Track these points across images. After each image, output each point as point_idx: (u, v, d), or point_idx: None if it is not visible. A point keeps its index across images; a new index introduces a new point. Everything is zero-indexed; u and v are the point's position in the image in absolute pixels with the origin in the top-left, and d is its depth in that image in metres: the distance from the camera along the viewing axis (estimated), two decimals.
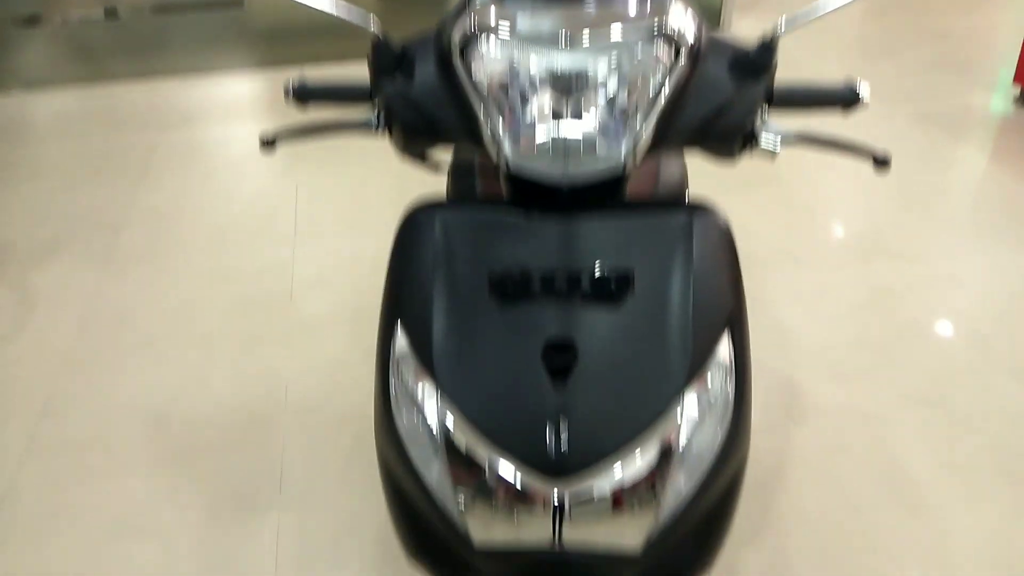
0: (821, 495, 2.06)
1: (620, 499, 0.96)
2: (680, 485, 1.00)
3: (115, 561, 1.94)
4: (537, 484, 0.96)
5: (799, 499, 2.05)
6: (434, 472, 1.02)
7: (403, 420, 1.06)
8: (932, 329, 2.59)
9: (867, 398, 2.35)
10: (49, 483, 2.16)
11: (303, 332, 2.68)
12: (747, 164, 3.60)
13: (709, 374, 1.03)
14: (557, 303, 1.02)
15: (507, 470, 0.97)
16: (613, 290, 1.02)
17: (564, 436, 0.96)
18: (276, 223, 3.27)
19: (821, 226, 3.14)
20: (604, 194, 1.09)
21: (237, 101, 4.47)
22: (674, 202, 1.12)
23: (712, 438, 1.02)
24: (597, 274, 1.02)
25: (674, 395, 1.00)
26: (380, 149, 3.80)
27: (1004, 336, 2.55)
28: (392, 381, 1.08)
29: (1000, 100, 4.04)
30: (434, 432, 1.02)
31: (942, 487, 2.07)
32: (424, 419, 1.04)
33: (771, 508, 2.02)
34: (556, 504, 0.96)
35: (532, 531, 0.97)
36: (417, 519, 1.08)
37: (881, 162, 1.14)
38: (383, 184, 3.54)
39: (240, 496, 2.10)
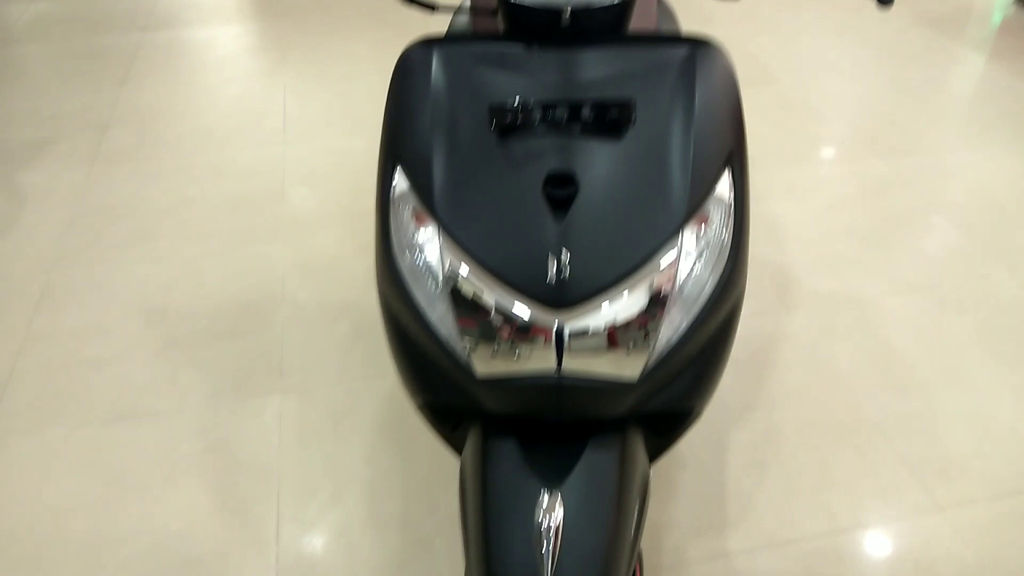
0: (810, 375, 2.10)
1: (619, 329, 0.97)
2: (677, 318, 1.01)
3: (116, 443, 1.97)
4: (538, 315, 0.97)
5: (789, 379, 2.09)
6: (437, 309, 1.03)
7: (404, 260, 1.06)
8: (925, 219, 2.60)
9: (858, 285, 2.37)
10: (47, 371, 2.17)
11: (296, 228, 2.67)
12: (745, 62, 3.55)
13: (708, 210, 1.04)
14: (557, 135, 1.01)
15: (508, 302, 0.98)
16: (614, 120, 1.01)
17: (565, 267, 0.96)
18: (264, 122, 3.22)
19: (817, 123, 3.12)
20: (605, 26, 1.07)
21: (220, 2, 4.34)
22: (676, 37, 1.10)
23: (709, 274, 1.03)
24: (598, 103, 1.01)
25: (673, 229, 1.00)
26: (367, 48, 3.72)
27: (995, 226, 2.57)
28: (392, 222, 1.08)
29: (1000, 1, 3.97)
30: (435, 269, 1.03)
31: (929, 367, 2.12)
32: (425, 257, 1.04)
33: (761, 387, 2.07)
34: (556, 334, 0.97)
35: (533, 361, 0.98)
36: (420, 358, 1.09)
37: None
38: (371, 84, 3.48)
39: (240, 381, 2.13)
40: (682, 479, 1.85)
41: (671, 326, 1.01)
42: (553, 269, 0.97)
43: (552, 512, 1.00)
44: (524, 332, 0.98)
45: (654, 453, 1.29)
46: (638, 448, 1.13)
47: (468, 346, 1.01)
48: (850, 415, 1.99)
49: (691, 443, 1.93)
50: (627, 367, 1.00)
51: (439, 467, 1.88)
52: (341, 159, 2.98)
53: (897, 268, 2.43)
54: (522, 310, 0.98)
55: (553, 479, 1.03)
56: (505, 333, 0.98)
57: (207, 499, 1.83)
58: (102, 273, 2.50)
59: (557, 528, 0.99)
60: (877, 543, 1.71)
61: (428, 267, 1.04)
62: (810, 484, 1.84)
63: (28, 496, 1.84)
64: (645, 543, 1.72)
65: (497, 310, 0.98)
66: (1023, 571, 1.66)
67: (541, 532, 0.99)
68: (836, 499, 1.80)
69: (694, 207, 1.02)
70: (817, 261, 2.47)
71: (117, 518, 1.79)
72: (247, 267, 2.51)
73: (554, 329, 0.97)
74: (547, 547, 0.98)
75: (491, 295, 0.99)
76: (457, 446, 1.25)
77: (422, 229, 1.04)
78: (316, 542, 1.73)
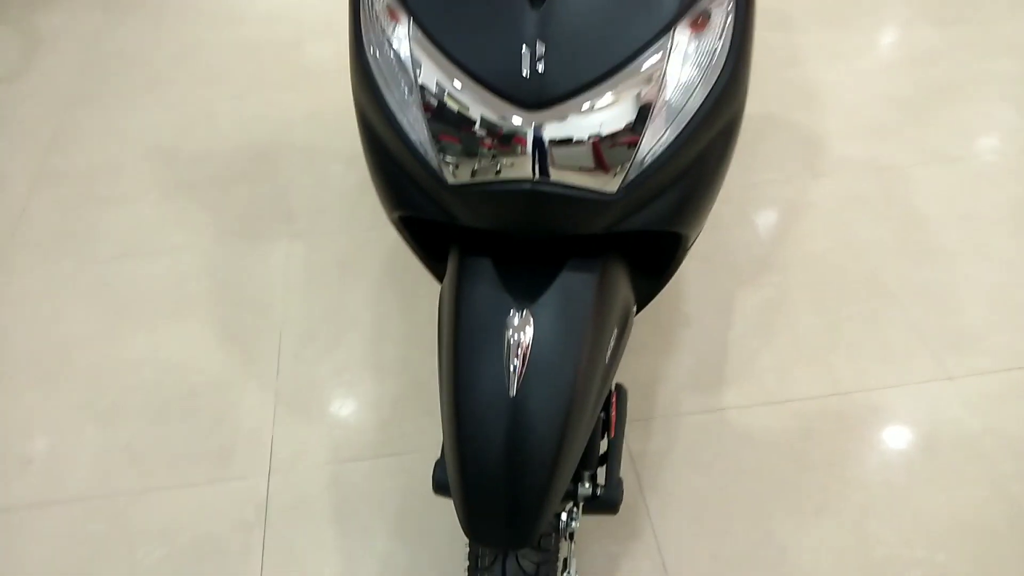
0: (830, 241, 2.02)
1: (598, 136, 0.91)
2: (662, 128, 0.94)
3: (125, 278, 1.98)
4: (512, 114, 0.91)
5: (807, 244, 2.01)
6: (408, 112, 0.97)
7: (377, 61, 1.00)
8: (970, 90, 2.44)
9: (892, 153, 2.25)
10: (59, 209, 2.18)
11: (310, 77, 2.60)
12: None
13: (707, 9, 0.95)
14: None
15: (481, 100, 0.92)
16: None
17: (541, 61, 0.89)
18: None
19: None
20: None
21: None
22: None
23: (703, 82, 0.95)
24: None
25: (664, 27, 0.92)
26: None
27: None
28: (364, 18, 1.02)
29: None
30: (406, 64, 0.97)
31: (955, 238, 2.02)
32: (398, 55, 0.98)
33: (778, 251, 2.00)
34: (533, 139, 0.91)
35: (508, 168, 0.93)
36: (393, 167, 1.04)
37: None
38: None
39: (248, 225, 2.11)
40: (683, 336, 1.82)
41: (655, 136, 0.94)
42: (528, 63, 0.89)
43: (522, 331, 0.97)
44: (497, 134, 0.92)
45: (644, 295, 1.25)
46: (619, 278, 1.08)
47: (440, 151, 0.96)
48: (867, 282, 1.93)
49: (696, 301, 1.89)
50: (607, 178, 0.94)
51: None
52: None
53: (935, 138, 2.29)
54: (495, 109, 0.91)
55: (525, 299, 1.00)
56: (478, 136, 0.92)
57: (211, 334, 1.85)
58: (115, 116, 2.47)
59: (526, 347, 0.96)
60: (880, 407, 1.68)
61: (399, 63, 0.97)
62: (817, 347, 1.79)
63: (38, 326, 1.88)
64: (637, 392, 1.71)
65: (469, 110, 0.92)
66: (1016, 440, 1.63)
67: (509, 350, 0.96)
68: (842, 363, 1.76)
69: (688, 4, 0.93)
70: (852, 128, 2.34)
71: (123, 349, 1.82)
72: (260, 114, 2.46)
73: (529, 132, 0.91)
74: (515, 365, 0.96)
75: (463, 94, 0.92)
76: (441, 275, 1.22)
77: (394, 24, 0.98)
78: (315, 379, 1.75)
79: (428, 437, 1.64)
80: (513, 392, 0.95)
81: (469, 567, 1.11)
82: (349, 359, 1.79)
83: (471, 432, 0.96)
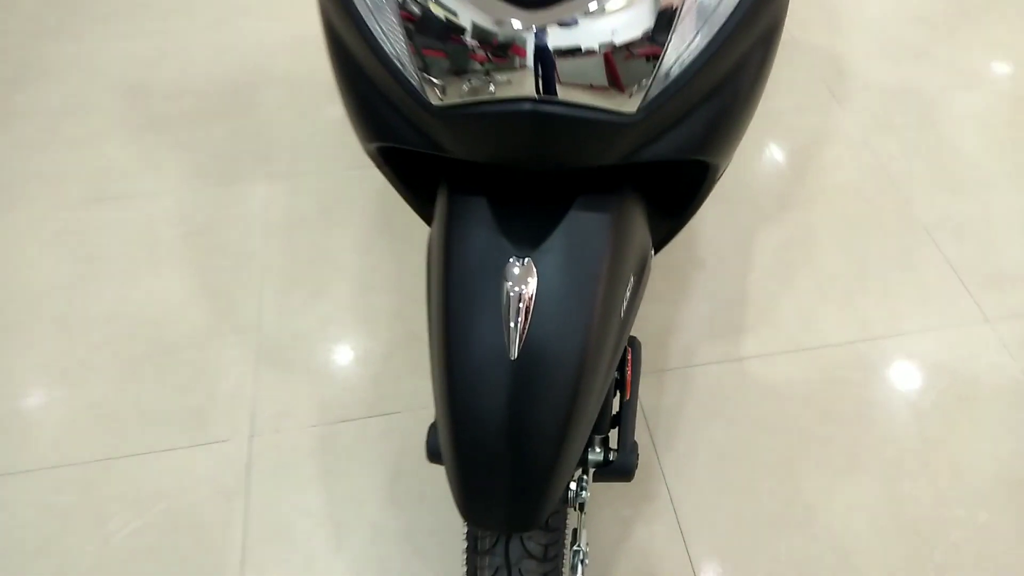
0: (857, 173, 1.86)
1: (613, 45, 0.75)
2: (692, 33, 0.77)
3: (94, 225, 1.83)
4: (511, 17, 0.74)
5: (833, 176, 1.86)
6: (384, 20, 0.81)
7: None
8: (999, 6, 2.24)
9: (923, 76, 2.07)
10: (23, 150, 2.01)
11: (289, 4, 2.40)
12: None
13: None
14: None
15: (473, 1, 0.75)
16: None
17: None
18: None
19: None
20: None
21: None
22: None
23: None
24: None
25: None
26: None
27: None
28: None
29: None
30: None
31: (991, 168, 1.86)
32: None
33: (800, 185, 1.84)
34: (534, 46, 0.74)
35: (505, 85, 0.77)
36: (367, 88, 0.88)
37: None
38: None
39: (225, 165, 1.95)
40: (698, 279, 1.68)
41: (682, 44, 0.78)
42: None
43: (523, 283, 0.82)
44: (491, 44, 0.75)
45: (662, 235, 1.10)
46: (636, 218, 0.93)
47: (422, 67, 0.79)
48: (897, 217, 1.77)
49: (711, 241, 1.74)
50: (624, 96, 0.78)
51: None
52: None
53: (968, 60, 2.11)
54: (490, 10, 0.75)
55: (527, 245, 0.85)
56: (468, 46, 0.76)
57: (186, 285, 1.71)
58: (84, 48, 2.29)
59: (528, 302, 0.82)
60: (913, 353, 1.55)
61: None
62: (843, 289, 1.65)
63: (2, 274, 1.74)
64: (649, 343, 1.57)
65: (457, 14, 0.76)
66: None
67: (509, 305, 0.82)
68: (871, 305, 1.62)
69: None
70: (878, 50, 2.15)
71: (92, 301, 1.68)
72: (237, 43, 2.27)
73: (530, 39, 0.74)
74: (515, 323, 0.81)
75: None
76: (429, 217, 1.07)
77: None
78: (300, 332, 1.61)
79: (423, 395, 1.51)
80: (514, 354, 0.81)
81: (467, 548, 0.99)
82: (336, 310, 1.65)
83: (466, 401, 0.82)
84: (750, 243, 1.74)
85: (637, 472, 1.39)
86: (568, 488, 0.98)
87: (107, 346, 1.61)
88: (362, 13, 0.82)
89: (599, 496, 1.37)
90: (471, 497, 0.84)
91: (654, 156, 0.83)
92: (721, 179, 1.83)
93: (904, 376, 1.51)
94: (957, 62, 2.10)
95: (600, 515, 1.35)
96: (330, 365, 1.56)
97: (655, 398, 1.49)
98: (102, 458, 1.44)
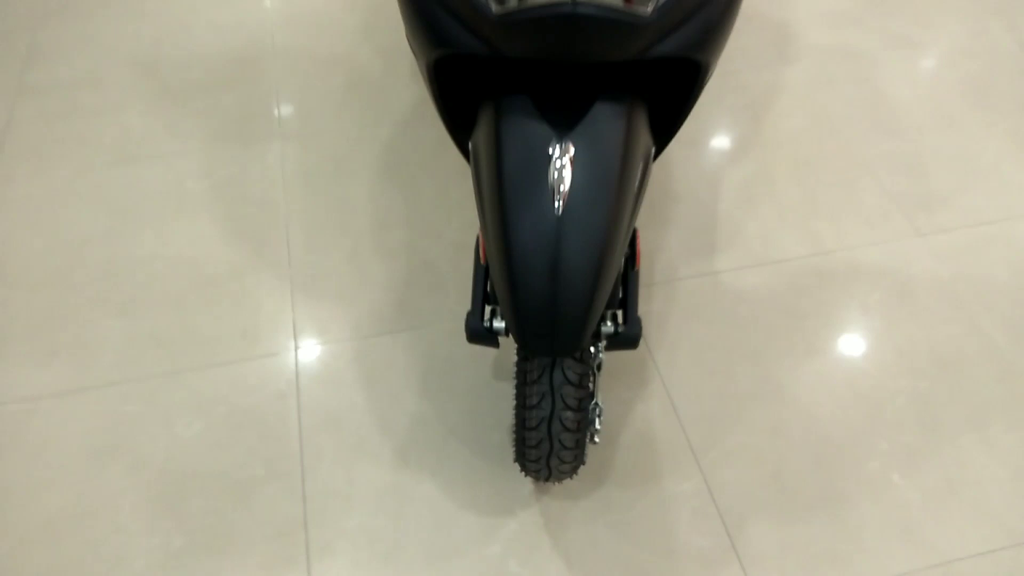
0: (806, 120, 2.13)
1: None
2: None
3: (122, 182, 2.00)
4: None
5: (784, 124, 2.12)
6: None
7: None
8: None
9: (858, 40, 2.36)
10: (45, 121, 2.16)
11: None
12: None
13: None
14: None
15: None
16: None
17: None
18: None
19: None
20: None
21: None
22: None
23: None
24: None
25: None
26: None
27: None
28: None
29: None
30: None
31: (920, 113, 2.15)
32: None
33: (758, 132, 2.10)
34: None
35: None
36: (435, 7, 1.09)
37: None
38: None
39: (239, 128, 2.13)
40: (676, 210, 1.92)
41: None
42: None
43: (565, 155, 1.05)
44: None
45: (660, 142, 1.34)
46: (641, 116, 1.17)
47: None
48: (841, 155, 2.05)
49: (686, 178, 1.99)
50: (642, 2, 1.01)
51: (442, 201, 1.94)
52: None
53: (898, 25, 2.41)
54: None
55: (565, 128, 1.08)
56: None
57: (218, 229, 1.89)
58: (90, 28, 2.44)
59: (570, 170, 1.05)
60: (859, 262, 1.82)
61: None
62: (798, 215, 1.92)
63: (42, 230, 1.90)
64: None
65: None
66: (991, 285, 1.78)
67: (556, 174, 1.05)
68: (822, 227, 1.89)
69: None
70: (818, 17, 2.44)
71: (131, 246, 1.86)
72: (237, 20, 2.45)
73: None
74: (561, 187, 1.04)
75: None
76: (460, 141, 1.30)
77: None
78: (327, 265, 1.81)
79: (442, 312, 1.72)
80: (559, 211, 1.04)
81: (517, 384, 1.21)
82: (358, 246, 1.85)
83: (523, 252, 1.05)
84: (718, 180, 1.99)
85: (633, 364, 1.62)
86: (599, 327, 1.20)
87: (153, 283, 1.78)
88: None
89: (605, 384, 1.60)
90: (527, 329, 1.06)
91: (661, 53, 1.07)
92: (689, 128, 2.08)
93: (853, 281, 1.78)
94: (887, 27, 2.40)
95: (604, 399, 1.58)
96: (358, 291, 1.76)
97: (645, 306, 1.73)
98: (162, 374, 1.62)
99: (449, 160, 2.03)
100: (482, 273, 1.36)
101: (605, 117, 1.10)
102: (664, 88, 1.24)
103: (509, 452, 1.52)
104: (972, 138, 2.09)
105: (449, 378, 1.62)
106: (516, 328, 1.07)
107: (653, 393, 1.59)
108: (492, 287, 1.22)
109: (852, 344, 1.67)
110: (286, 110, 2.18)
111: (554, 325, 1.06)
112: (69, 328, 1.71)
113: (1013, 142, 2.07)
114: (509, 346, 1.67)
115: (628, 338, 1.24)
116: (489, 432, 1.55)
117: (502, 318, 1.17)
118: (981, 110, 2.15)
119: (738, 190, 1.97)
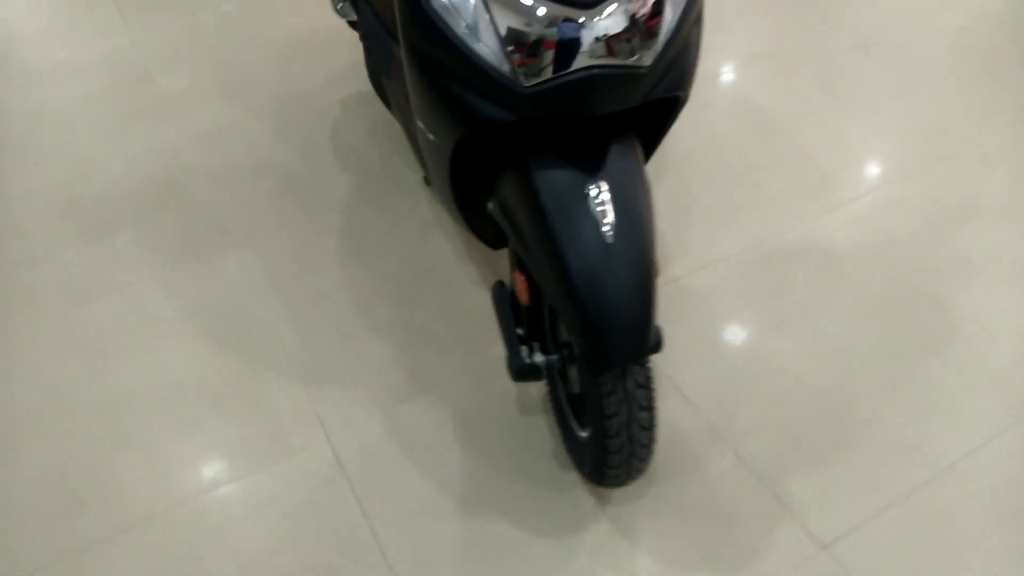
0: (698, 139, 2.42)
1: (633, 25, 1.17)
2: (670, 16, 1.23)
3: (87, 324, 1.96)
4: (577, 16, 1.15)
5: (682, 144, 2.40)
6: (479, 37, 1.18)
7: (442, 4, 1.20)
8: (754, 5, 2.95)
9: (713, 63, 2.70)
10: None
11: (176, 106, 2.61)
12: None
13: None
14: None
15: (548, 10, 1.15)
16: None
17: None
18: (93, 15, 3.03)
19: None
20: None
21: None
22: None
23: None
24: None
25: None
26: None
27: None
28: None
29: None
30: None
31: (787, 113, 2.50)
32: None
33: (663, 156, 2.36)
34: (583, 28, 1.15)
35: (570, 61, 1.16)
36: (459, 92, 1.24)
37: None
38: None
39: (185, 247, 2.15)
40: None
41: (667, 22, 1.23)
42: None
43: (604, 194, 1.23)
44: (557, 37, 1.15)
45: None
46: (640, 151, 1.37)
47: (513, 63, 1.18)
48: (739, 161, 2.35)
49: None
50: (643, 55, 1.21)
51: (412, 271, 2.05)
52: (193, 34, 2.90)
53: (741, 45, 2.77)
54: (559, 12, 1.15)
55: (595, 171, 1.26)
56: (544, 43, 1.16)
57: (204, 346, 1.90)
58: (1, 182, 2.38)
59: (612, 204, 1.23)
60: (791, 243, 2.09)
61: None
62: (724, 216, 2.18)
63: (24, 387, 1.84)
64: None
65: (538, 21, 1.15)
66: (899, 237, 2.10)
67: (601, 211, 1.22)
68: (748, 222, 2.16)
69: None
70: None
71: (122, 381, 1.84)
72: (144, 147, 2.45)
73: (586, 32, 1.15)
74: (608, 221, 1.21)
75: (529, 9, 1.15)
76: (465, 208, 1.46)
77: None
78: (326, 353, 1.87)
79: (453, 369, 1.83)
80: (611, 240, 1.21)
81: (590, 399, 1.35)
82: (347, 330, 1.92)
83: (589, 279, 1.21)
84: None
85: None
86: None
87: (160, 412, 1.78)
88: (464, 39, 1.19)
89: None
90: (608, 347, 1.22)
91: (656, 96, 1.28)
92: None
93: (789, 260, 2.05)
94: (734, 47, 2.76)
95: None
96: (365, 371, 1.84)
97: None
98: (199, 492, 1.63)
99: (404, 232, 2.15)
100: (511, 316, 1.50)
101: (621, 155, 1.29)
102: (648, 121, 1.45)
103: (559, 478, 1.64)
104: (835, 124, 2.45)
105: (481, 426, 1.72)
106: (597, 348, 1.22)
107: (666, 393, 1.77)
108: (525, 321, 1.38)
109: (810, 311, 1.93)
110: (226, 221, 2.22)
111: (628, 336, 1.22)
112: (88, 474, 1.67)
113: (871, 124, 2.45)
114: (527, 386, 1.80)
115: (656, 342, 1.41)
116: (535, 463, 1.66)
117: (575, 345, 1.31)
118: (834, 101, 2.53)
119: (669, 204, 2.21)
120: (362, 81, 2.64)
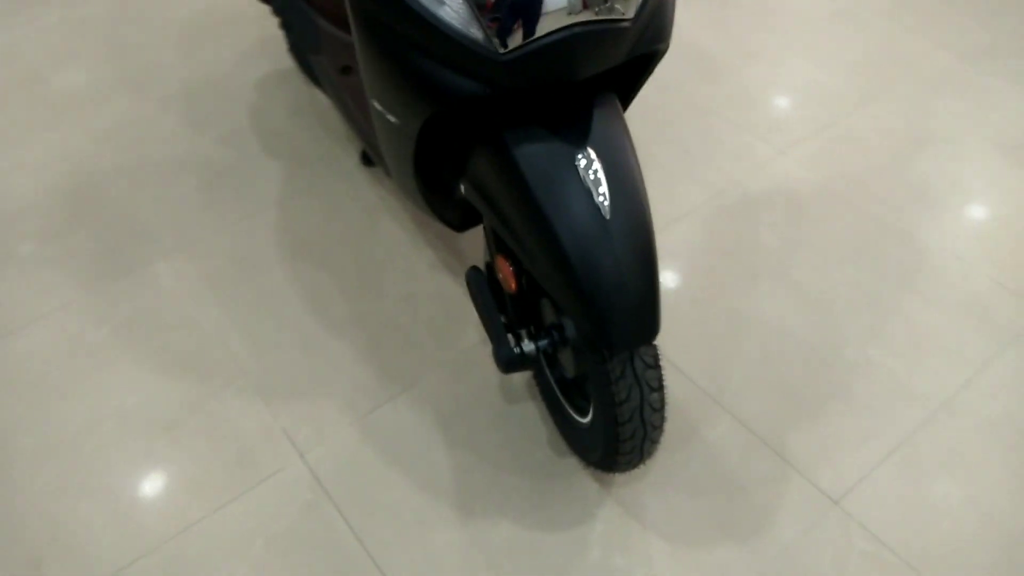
0: (648, 89, 2.32)
1: None
2: None
3: (13, 358, 1.76)
4: None
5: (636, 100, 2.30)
6: (448, 7, 1.05)
7: None
8: None
9: None
10: None
11: (76, 106, 2.38)
12: None
13: None
14: None
15: None
16: None
17: None
18: None
19: None
20: None
21: None
22: None
23: None
24: None
25: None
26: None
27: None
28: None
29: None
30: None
31: (731, 54, 2.42)
32: None
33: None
34: None
35: (545, 23, 1.04)
36: (428, 67, 1.10)
37: None
38: None
39: (108, 263, 1.95)
40: None
41: None
42: None
43: (595, 166, 1.12)
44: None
45: None
46: (621, 110, 1.26)
47: (487, 30, 1.05)
48: (687, 109, 2.27)
49: None
50: (625, 5, 1.09)
51: (366, 262, 1.91)
52: (85, 26, 2.65)
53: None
54: None
55: (581, 141, 1.14)
56: (520, 4, 1.03)
57: (148, 368, 1.74)
58: None
59: (604, 176, 1.12)
60: (749, 189, 2.03)
61: None
62: (680, 169, 2.10)
63: None
64: None
65: None
66: (855, 174, 2.06)
67: (592, 185, 1.11)
68: (705, 172, 2.09)
69: None
70: None
71: (62, 419, 1.66)
72: (46, 157, 2.23)
73: None
74: (601, 194, 1.11)
75: None
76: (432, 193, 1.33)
77: None
78: (285, 361, 1.73)
79: (426, 362, 1.71)
80: (607, 214, 1.10)
81: (601, 385, 1.26)
82: (304, 333, 1.78)
83: (588, 259, 1.10)
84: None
85: None
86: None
87: (108, 449, 1.61)
88: (431, 9, 1.05)
89: None
90: (614, 329, 1.12)
91: (639, 52, 1.17)
92: None
93: (752, 207, 1.99)
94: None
95: None
96: (331, 376, 1.70)
97: None
98: (173, 535, 1.48)
99: (349, 219, 2.00)
100: (492, 303, 1.39)
101: (606, 118, 1.17)
102: (623, 78, 1.34)
103: (558, 465, 1.56)
104: (779, 62, 2.39)
105: (466, 421, 1.62)
106: (602, 331, 1.12)
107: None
108: (510, 308, 1.27)
109: (782, 260, 1.88)
110: (152, 227, 2.04)
111: (637, 315, 1.12)
112: (41, 529, 1.50)
113: (813, 59, 2.40)
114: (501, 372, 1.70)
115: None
116: (530, 453, 1.57)
117: (576, 329, 1.21)
118: (776, 39, 2.47)
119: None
120: (277, 59, 2.45)
